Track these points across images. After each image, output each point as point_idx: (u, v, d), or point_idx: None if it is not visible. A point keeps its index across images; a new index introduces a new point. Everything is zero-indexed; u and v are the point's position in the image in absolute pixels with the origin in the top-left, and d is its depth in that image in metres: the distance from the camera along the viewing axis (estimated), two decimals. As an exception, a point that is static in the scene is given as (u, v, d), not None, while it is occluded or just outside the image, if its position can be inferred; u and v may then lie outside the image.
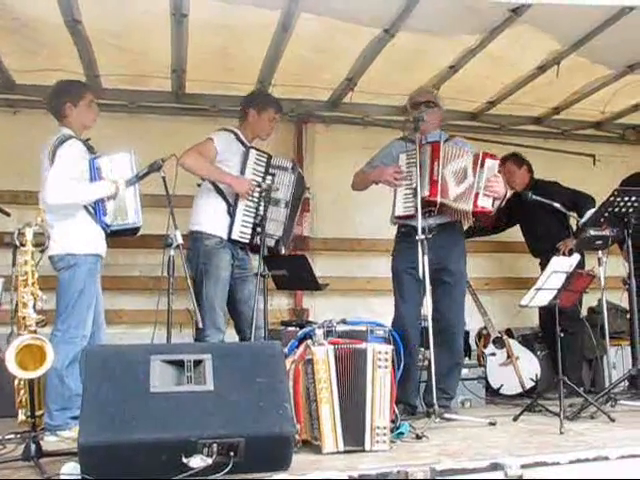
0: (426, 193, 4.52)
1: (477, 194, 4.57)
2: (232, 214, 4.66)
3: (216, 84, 5.39)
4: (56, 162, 4.03)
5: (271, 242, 4.76)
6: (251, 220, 4.68)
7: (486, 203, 4.61)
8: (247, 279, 4.75)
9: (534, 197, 5.21)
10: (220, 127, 4.87)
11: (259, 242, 4.60)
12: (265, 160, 4.78)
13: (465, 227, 4.90)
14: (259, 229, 4.65)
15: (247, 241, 4.70)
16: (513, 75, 5.63)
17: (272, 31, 4.76)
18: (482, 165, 4.58)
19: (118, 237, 4.31)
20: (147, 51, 5.02)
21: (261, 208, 4.65)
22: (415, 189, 4.44)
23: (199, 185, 4.83)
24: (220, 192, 4.71)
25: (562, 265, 4.25)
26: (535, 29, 4.74)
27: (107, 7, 4.30)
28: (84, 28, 4.57)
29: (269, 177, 4.74)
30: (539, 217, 5.61)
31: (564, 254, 5.27)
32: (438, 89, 5.06)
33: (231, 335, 4.83)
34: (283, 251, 4.86)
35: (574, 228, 5.68)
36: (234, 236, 4.64)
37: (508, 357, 5.71)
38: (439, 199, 4.52)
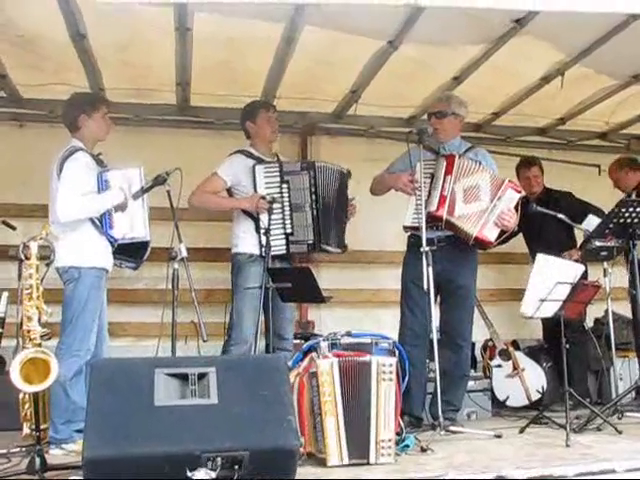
0: (433, 208, 4.50)
1: (486, 222, 4.50)
2: (259, 230, 4.69)
3: (221, 97, 5.41)
4: (64, 177, 4.04)
5: (303, 248, 4.78)
6: (281, 231, 4.71)
7: (491, 234, 4.53)
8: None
9: (538, 209, 5.20)
10: (232, 150, 4.90)
11: (298, 249, 4.74)
12: (277, 169, 4.78)
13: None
14: (292, 238, 4.71)
15: (283, 252, 4.72)
16: (517, 86, 5.64)
17: (276, 44, 4.78)
18: (502, 194, 4.50)
19: (129, 254, 4.30)
20: (152, 65, 5.05)
21: (287, 219, 4.70)
22: (425, 201, 4.45)
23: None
24: (247, 213, 4.77)
25: (548, 264, 4.24)
26: (539, 40, 4.75)
27: (112, 21, 4.31)
28: (89, 42, 4.61)
29: (284, 185, 4.75)
30: (544, 226, 5.58)
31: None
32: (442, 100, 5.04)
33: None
34: (331, 249, 4.88)
35: (577, 239, 5.67)
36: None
37: (514, 369, 5.69)
38: (445, 216, 4.50)
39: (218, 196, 4.83)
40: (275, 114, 5.02)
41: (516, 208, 4.58)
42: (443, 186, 4.52)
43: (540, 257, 4.33)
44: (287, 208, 4.73)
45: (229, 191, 4.87)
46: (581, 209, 5.56)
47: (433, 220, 4.51)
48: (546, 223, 5.46)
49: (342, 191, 4.96)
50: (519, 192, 4.62)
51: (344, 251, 5.01)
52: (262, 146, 4.93)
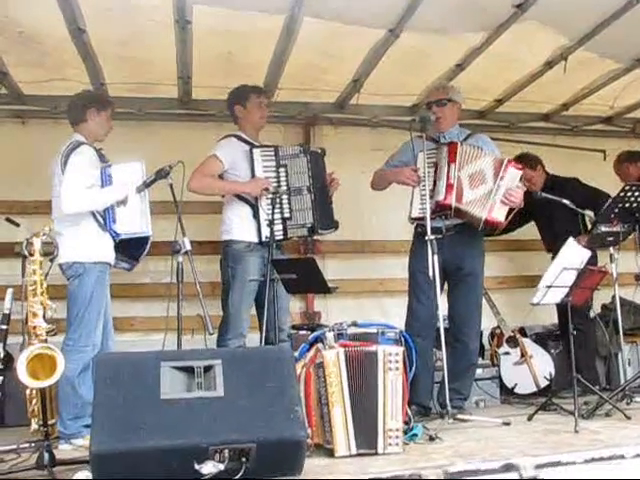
0: (440, 197, 4.48)
1: (494, 204, 4.48)
2: (257, 217, 4.65)
3: (222, 90, 5.37)
4: (68, 170, 4.04)
5: (303, 231, 4.77)
6: (278, 216, 4.64)
7: (500, 215, 4.51)
8: (278, 281, 4.65)
9: (543, 195, 5.14)
10: (222, 136, 4.86)
11: (295, 235, 4.74)
12: (272, 153, 4.75)
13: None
14: (289, 222, 4.68)
15: (282, 237, 4.69)
16: (520, 72, 5.60)
17: (277, 35, 4.76)
18: (504, 173, 4.49)
19: (128, 251, 4.29)
20: (152, 59, 5.03)
21: (285, 203, 4.66)
22: (431, 191, 4.43)
23: (223, 196, 4.87)
24: (242, 198, 4.71)
25: (574, 253, 4.21)
26: (541, 25, 4.71)
27: (111, 16, 4.31)
28: (89, 37, 4.59)
29: (282, 169, 4.72)
30: (553, 214, 5.54)
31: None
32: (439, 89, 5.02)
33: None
34: (325, 233, 4.91)
35: (588, 225, 5.63)
36: (265, 238, 4.59)
37: (522, 356, 5.67)
38: (454, 204, 4.48)
39: (219, 180, 4.73)
40: (266, 100, 4.98)
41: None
42: (448, 175, 4.50)
43: (572, 241, 4.30)
44: (285, 192, 4.67)
45: (221, 175, 4.76)
46: (588, 194, 5.52)
47: (442, 209, 4.49)
48: (557, 211, 5.39)
49: (325, 170, 4.95)
50: (521, 169, 4.61)
51: (337, 228, 4.97)
52: (251, 131, 4.86)
